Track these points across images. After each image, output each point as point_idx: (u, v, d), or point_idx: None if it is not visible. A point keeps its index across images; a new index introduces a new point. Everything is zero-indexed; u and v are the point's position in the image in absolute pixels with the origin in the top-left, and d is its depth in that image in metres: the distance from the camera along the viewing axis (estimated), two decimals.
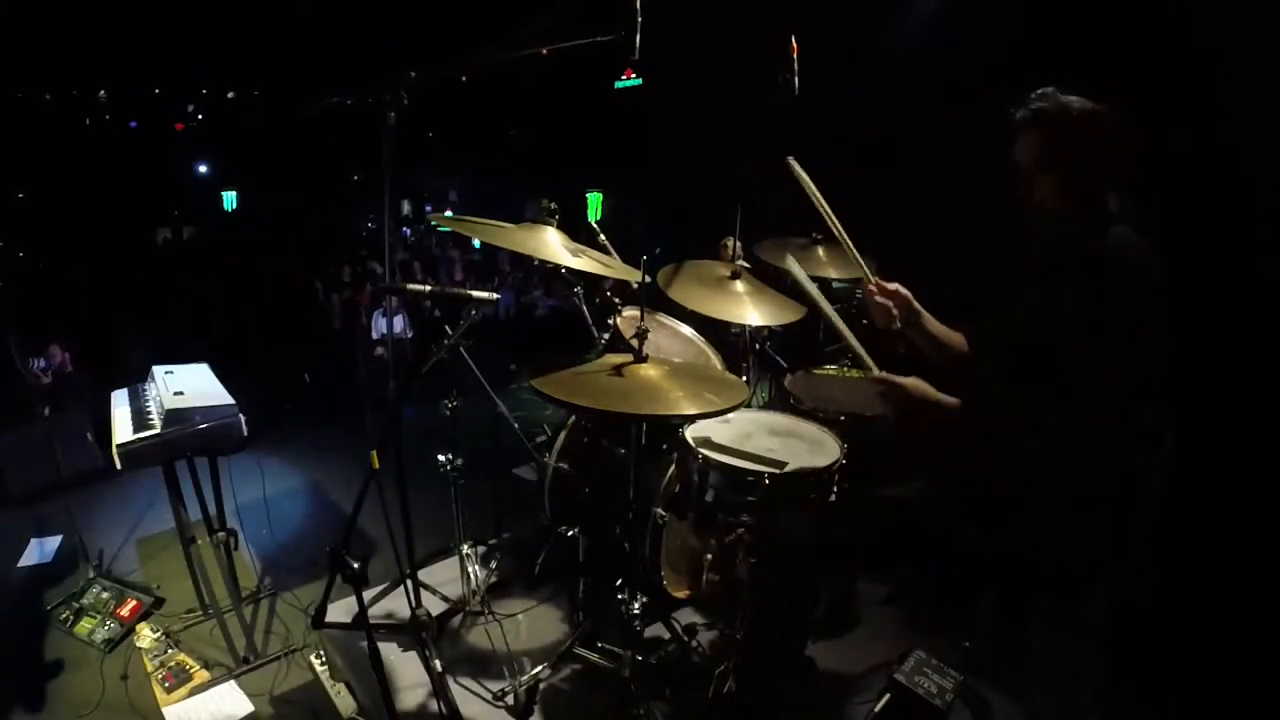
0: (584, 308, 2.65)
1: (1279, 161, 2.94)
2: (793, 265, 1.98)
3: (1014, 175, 1.62)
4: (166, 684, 2.30)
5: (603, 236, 2.55)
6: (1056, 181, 1.55)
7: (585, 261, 2.03)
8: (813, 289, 1.93)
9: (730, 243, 2.67)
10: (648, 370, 1.71)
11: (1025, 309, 1.65)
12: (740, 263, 2.55)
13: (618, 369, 1.71)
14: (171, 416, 2.22)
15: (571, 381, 1.69)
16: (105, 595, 2.68)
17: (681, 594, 2.44)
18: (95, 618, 2.59)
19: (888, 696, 1.52)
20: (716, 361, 2.58)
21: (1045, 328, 1.54)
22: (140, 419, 2.33)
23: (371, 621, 1.71)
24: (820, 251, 2.74)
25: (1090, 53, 3.76)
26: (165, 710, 2.22)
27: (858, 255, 1.95)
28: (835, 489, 1.90)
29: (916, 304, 1.90)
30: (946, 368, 1.89)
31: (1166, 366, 1.51)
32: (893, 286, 1.90)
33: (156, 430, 2.22)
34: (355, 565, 1.54)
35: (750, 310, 2.32)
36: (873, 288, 1.91)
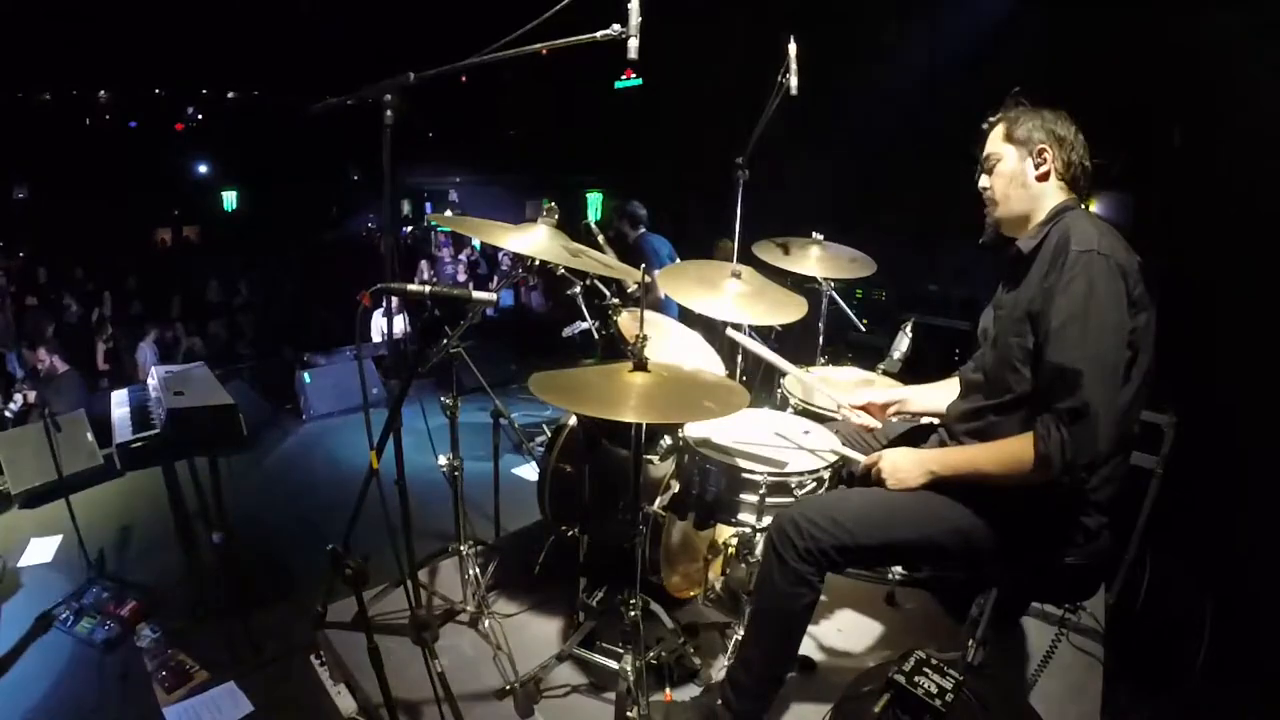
0: (584, 309, 2.66)
1: (1275, 161, 2.94)
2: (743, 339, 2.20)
3: (989, 187, 1.69)
4: (166, 684, 2.30)
5: (600, 237, 2.55)
6: (1034, 179, 1.61)
7: (585, 261, 2.04)
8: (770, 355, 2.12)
9: (726, 245, 2.67)
10: (647, 377, 1.71)
11: (1004, 315, 1.66)
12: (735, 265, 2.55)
13: (617, 375, 1.71)
14: (171, 416, 2.22)
15: (570, 387, 1.68)
16: (105, 595, 2.68)
17: (681, 594, 2.44)
18: (95, 617, 2.59)
19: (888, 696, 1.52)
20: (717, 362, 2.59)
21: (1026, 331, 1.55)
22: (140, 419, 2.33)
23: (371, 621, 1.71)
24: (815, 251, 2.74)
25: (1089, 51, 3.77)
26: (165, 710, 2.22)
27: (837, 399, 2.11)
28: (834, 489, 1.91)
29: (889, 396, 2.05)
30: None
31: (1161, 366, 1.51)
32: (861, 404, 2.04)
33: (156, 430, 2.22)
34: (355, 565, 1.54)
35: (750, 310, 2.32)
36: (849, 414, 2.07)
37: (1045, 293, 1.50)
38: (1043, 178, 1.62)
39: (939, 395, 2.00)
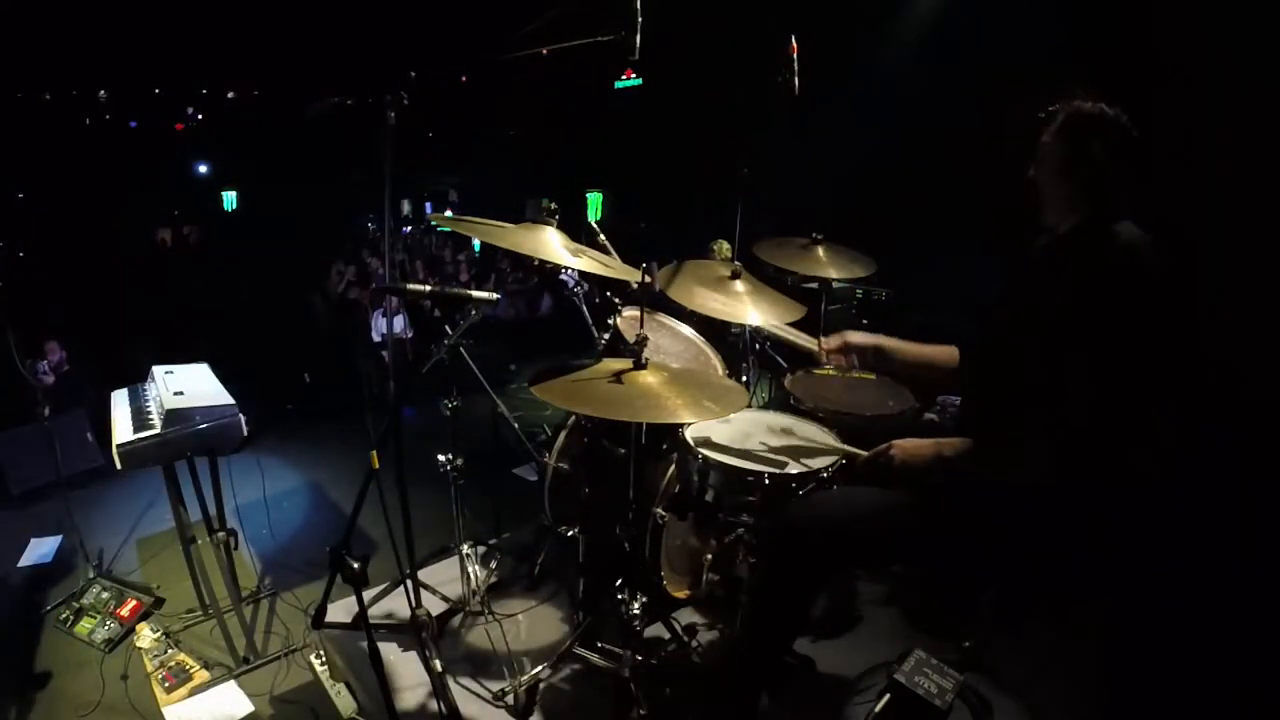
0: (583, 308, 2.66)
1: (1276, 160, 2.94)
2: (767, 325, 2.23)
3: (1030, 169, 1.65)
4: (166, 684, 2.30)
5: (602, 236, 2.55)
6: (1075, 178, 1.57)
7: (585, 261, 2.03)
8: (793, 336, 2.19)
9: (723, 245, 2.65)
10: (647, 376, 1.71)
11: (1019, 314, 1.65)
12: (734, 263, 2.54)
13: (617, 375, 1.71)
14: (171, 416, 2.22)
15: (570, 388, 1.68)
16: (105, 595, 2.68)
17: (681, 594, 2.44)
18: (95, 618, 2.59)
19: (888, 696, 1.52)
20: (717, 362, 2.58)
21: (1039, 332, 1.54)
22: (140, 419, 2.33)
23: (371, 621, 1.71)
24: (820, 252, 2.74)
25: (1089, 51, 3.77)
26: (165, 710, 2.22)
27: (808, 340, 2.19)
28: (835, 489, 1.91)
29: (880, 343, 2.05)
30: (941, 384, 1.98)
31: (1169, 368, 1.51)
32: (836, 344, 2.11)
33: (156, 430, 2.22)
34: (355, 565, 1.54)
35: (750, 310, 2.32)
36: (823, 354, 2.13)
37: (1072, 301, 1.48)
38: (1081, 176, 1.58)
39: (924, 351, 2.04)
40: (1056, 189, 1.62)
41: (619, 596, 2.04)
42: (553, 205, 2.11)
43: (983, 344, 1.77)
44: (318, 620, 2.14)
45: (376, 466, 1.72)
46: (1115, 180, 1.58)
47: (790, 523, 1.63)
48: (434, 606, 2.45)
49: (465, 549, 2.50)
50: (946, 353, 2.00)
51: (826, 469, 1.88)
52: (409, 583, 2.10)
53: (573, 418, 2.62)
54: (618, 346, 2.39)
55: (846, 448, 1.88)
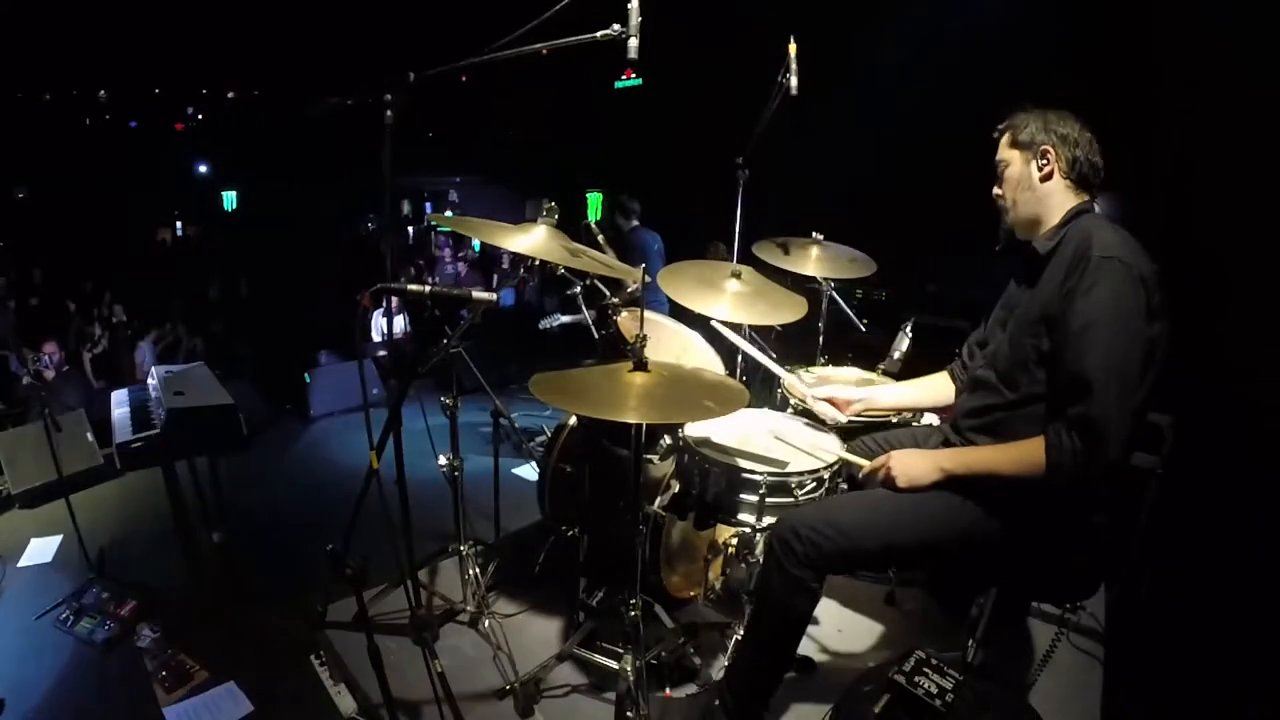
0: (583, 308, 2.66)
1: (1275, 158, 2.94)
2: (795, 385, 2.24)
3: (995, 189, 1.71)
4: (166, 684, 2.30)
5: (600, 236, 2.55)
6: (1037, 187, 1.62)
7: (585, 261, 2.03)
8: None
9: (720, 247, 2.66)
10: (647, 376, 1.71)
11: (1016, 317, 1.66)
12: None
13: (617, 375, 1.70)
14: (171, 416, 2.23)
15: (570, 387, 1.68)
16: (105, 595, 2.68)
17: (681, 594, 2.44)
18: (95, 618, 2.59)
19: (888, 696, 1.52)
20: (717, 362, 2.58)
21: (1042, 333, 1.54)
22: (140, 419, 2.33)
23: (371, 621, 1.71)
24: (815, 251, 2.74)
25: (1087, 51, 3.78)
26: (165, 710, 2.22)
27: (802, 391, 2.17)
28: (835, 489, 1.91)
29: (852, 394, 2.07)
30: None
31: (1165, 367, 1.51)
32: (825, 396, 2.09)
33: (156, 430, 2.22)
34: (355, 565, 1.54)
35: (750, 310, 2.32)
36: (813, 406, 2.11)
37: (1064, 297, 1.48)
38: (1047, 178, 1.61)
39: (908, 392, 2.05)
40: (1024, 203, 1.65)
41: (619, 596, 2.04)
42: (553, 205, 2.11)
43: (995, 348, 1.76)
44: (318, 620, 2.15)
45: (376, 466, 1.72)
46: (1078, 178, 1.61)
47: (792, 532, 1.63)
48: (434, 606, 2.45)
49: (465, 549, 2.50)
50: (930, 392, 2.03)
51: (826, 469, 1.88)
52: (409, 583, 2.10)
53: (573, 418, 2.61)
54: (617, 348, 2.39)
55: (847, 456, 1.88)
